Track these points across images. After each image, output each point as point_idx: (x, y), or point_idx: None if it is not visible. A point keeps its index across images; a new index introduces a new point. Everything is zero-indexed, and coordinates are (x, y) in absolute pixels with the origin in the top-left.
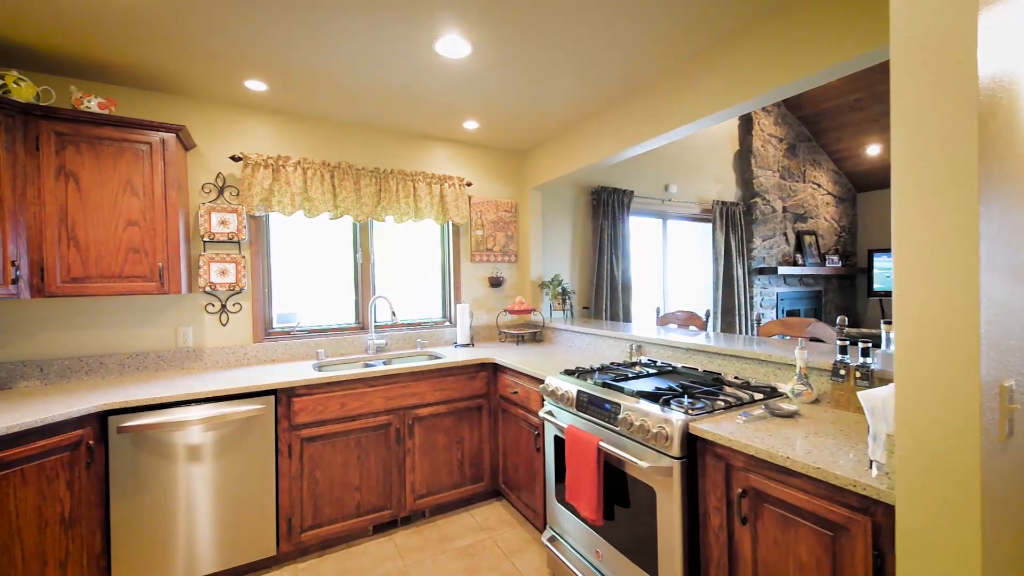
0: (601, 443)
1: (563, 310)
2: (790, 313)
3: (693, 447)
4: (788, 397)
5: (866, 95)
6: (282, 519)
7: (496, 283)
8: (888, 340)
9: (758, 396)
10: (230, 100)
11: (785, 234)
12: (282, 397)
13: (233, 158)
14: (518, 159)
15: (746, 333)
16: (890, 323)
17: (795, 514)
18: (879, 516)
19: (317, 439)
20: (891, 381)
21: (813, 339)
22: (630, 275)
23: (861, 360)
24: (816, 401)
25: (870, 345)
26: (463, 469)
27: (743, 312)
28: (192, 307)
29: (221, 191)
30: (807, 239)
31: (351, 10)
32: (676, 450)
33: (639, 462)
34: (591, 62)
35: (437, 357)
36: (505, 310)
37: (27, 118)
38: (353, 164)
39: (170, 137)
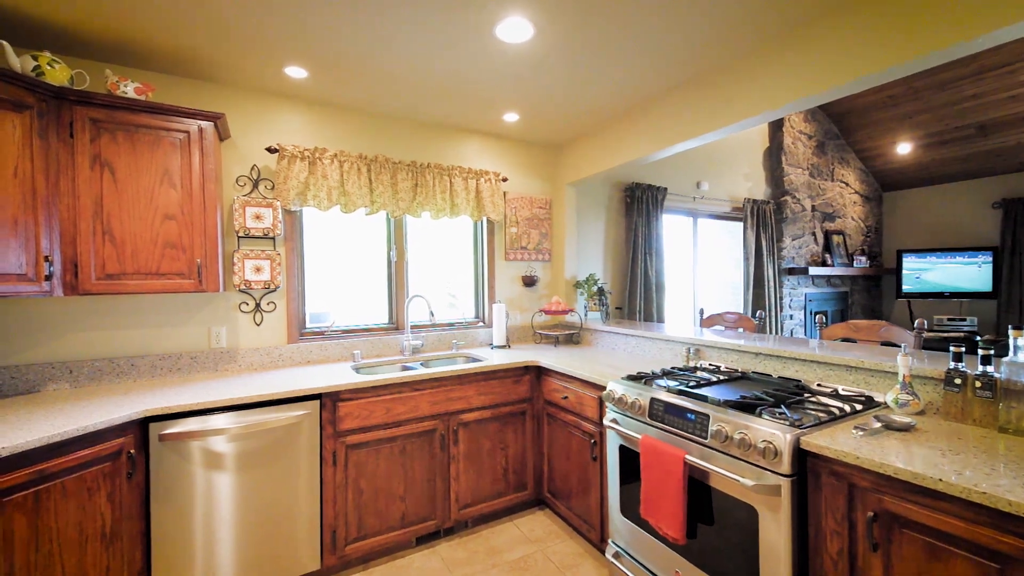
0: (687, 457)
1: (599, 310)
2: (818, 315)
3: (802, 463)
4: (889, 407)
5: (901, 91)
6: (326, 531)
7: (530, 282)
8: (1016, 347)
9: (858, 407)
10: (267, 88)
11: (814, 233)
12: (327, 402)
13: (269, 149)
14: (553, 154)
15: (777, 335)
16: (1020, 328)
17: (947, 543)
18: None
19: (362, 446)
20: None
21: (885, 343)
22: (664, 275)
23: (981, 368)
24: (922, 412)
25: (992, 352)
26: (507, 477)
27: (773, 313)
28: (226, 306)
29: (256, 184)
30: (835, 239)
31: None
32: (786, 467)
33: (741, 480)
34: (649, 49)
35: (476, 359)
36: (541, 310)
37: (60, 103)
38: (390, 157)
39: (208, 126)
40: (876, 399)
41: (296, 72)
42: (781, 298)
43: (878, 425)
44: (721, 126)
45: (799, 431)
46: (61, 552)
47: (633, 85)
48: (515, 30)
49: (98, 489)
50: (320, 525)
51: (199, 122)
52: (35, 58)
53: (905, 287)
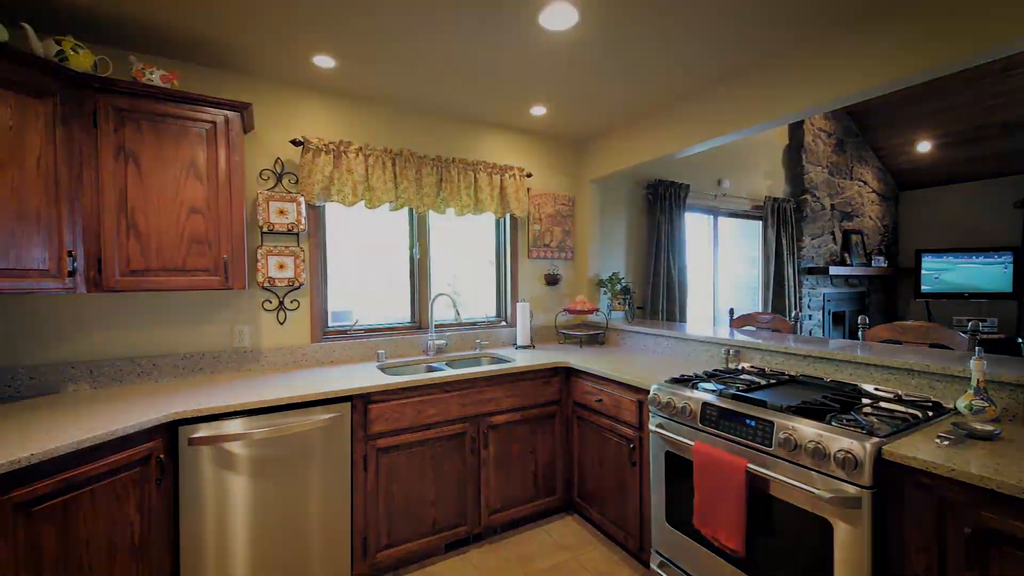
0: (750, 466)
1: (624, 310)
2: (836, 315)
3: (881, 474)
4: (961, 414)
5: (923, 88)
6: (356, 537)
7: (552, 281)
8: None
9: (930, 413)
10: (293, 79)
11: (833, 233)
12: (357, 403)
13: (294, 142)
14: (576, 149)
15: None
16: None
17: None
18: None
19: (392, 449)
20: None
21: (934, 345)
22: (686, 273)
23: None
24: (997, 419)
25: None
26: (536, 481)
27: (793, 313)
28: (249, 304)
29: (279, 178)
30: (853, 238)
31: None
32: (867, 479)
33: (816, 491)
34: (691, 39)
35: (502, 360)
36: (565, 309)
37: (84, 90)
38: (415, 151)
39: (235, 117)
40: (944, 405)
41: (324, 61)
42: (800, 298)
43: (957, 432)
44: (748, 125)
45: (878, 440)
46: (91, 565)
47: (665, 80)
48: (559, 17)
49: (127, 497)
50: (351, 531)
51: (225, 112)
52: (58, 43)
53: (924, 287)
